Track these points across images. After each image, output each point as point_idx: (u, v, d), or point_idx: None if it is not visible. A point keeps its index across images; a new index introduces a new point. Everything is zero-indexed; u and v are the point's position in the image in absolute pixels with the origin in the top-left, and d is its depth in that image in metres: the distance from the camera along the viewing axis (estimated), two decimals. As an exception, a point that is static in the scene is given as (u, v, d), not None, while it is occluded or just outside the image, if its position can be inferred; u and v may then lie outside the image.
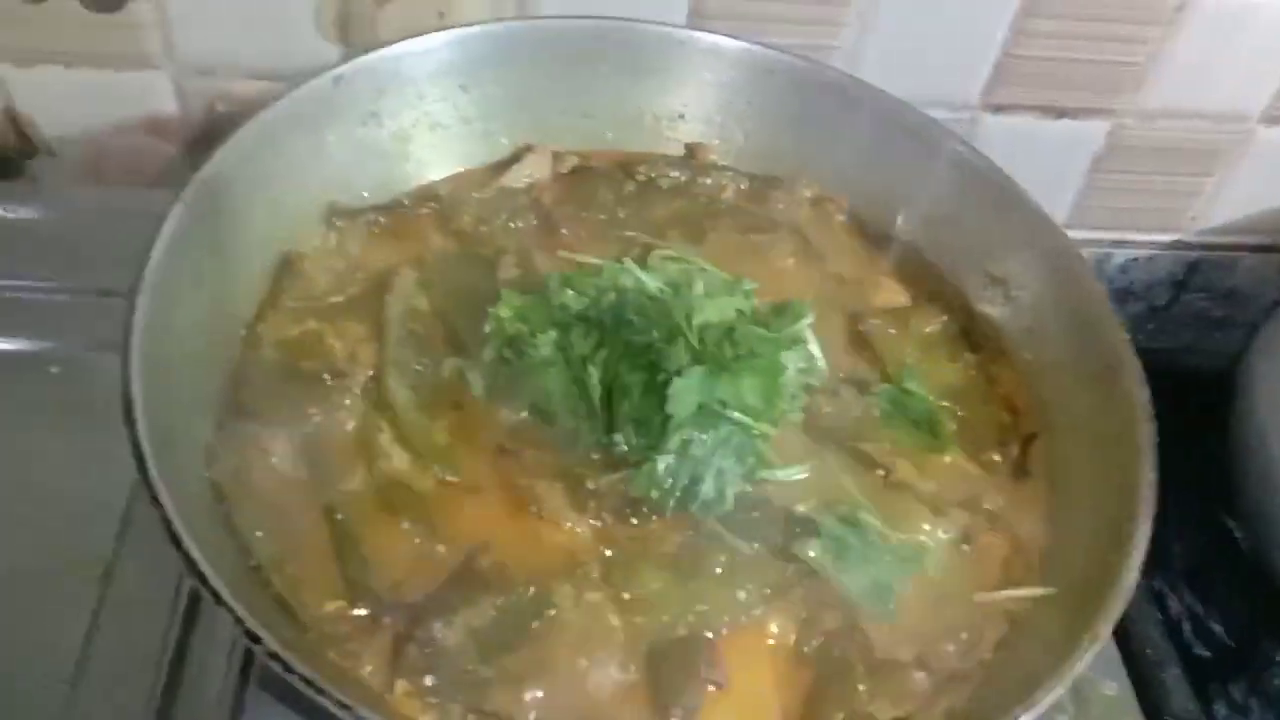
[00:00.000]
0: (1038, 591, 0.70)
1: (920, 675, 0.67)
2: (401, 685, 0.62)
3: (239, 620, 0.55)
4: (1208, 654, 0.95)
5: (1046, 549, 0.74)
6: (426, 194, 0.87)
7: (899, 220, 0.90)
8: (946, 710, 0.66)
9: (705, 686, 0.64)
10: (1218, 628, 0.97)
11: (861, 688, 0.65)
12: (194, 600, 0.74)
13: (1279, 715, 0.92)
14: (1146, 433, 0.71)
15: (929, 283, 0.87)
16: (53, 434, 0.83)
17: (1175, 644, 0.92)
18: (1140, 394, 0.73)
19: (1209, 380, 1.08)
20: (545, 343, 0.71)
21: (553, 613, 0.66)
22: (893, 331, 0.83)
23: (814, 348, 0.75)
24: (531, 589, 0.66)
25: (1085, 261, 0.81)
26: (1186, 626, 0.97)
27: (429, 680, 0.62)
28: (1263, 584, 0.98)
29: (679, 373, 0.67)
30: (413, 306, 0.78)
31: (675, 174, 0.90)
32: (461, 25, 0.87)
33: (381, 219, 0.83)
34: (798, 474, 0.73)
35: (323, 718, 0.55)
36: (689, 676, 0.64)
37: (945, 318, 0.84)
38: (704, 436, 0.68)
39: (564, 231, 0.85)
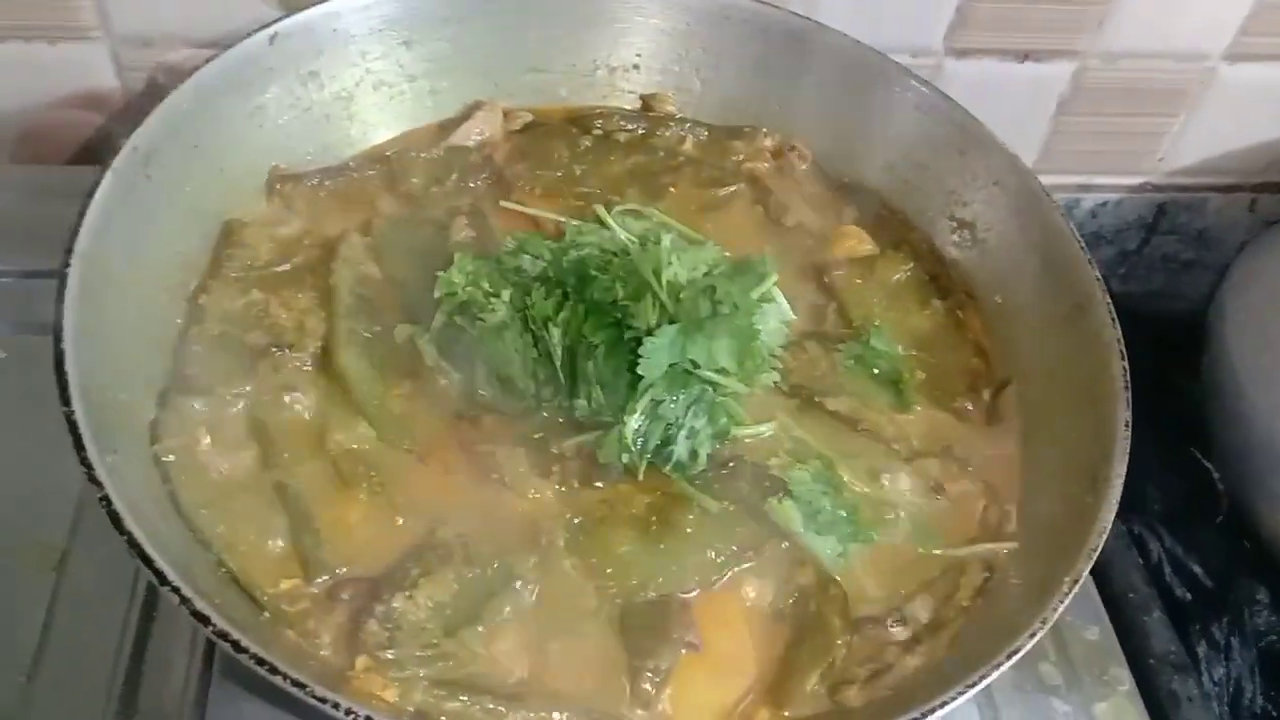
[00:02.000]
0: (1004, 546, 0.69)
1: (898, 628, 0.65)
2: (362, 661, 0.60)
3: (184, 600, 0.53)
4: (1188, 596, 0.95)
5: (1022, 494, 0.72)
6: (373, 156, 0.84)
7: (863, 167, 0.88)
8: (925, 660, 0.64)
9: (679, 649, 0.63)
10: (1197, 569, 0.96)
11: (838, 643, 0.64)
12: (153, 587, 0.71)
13: (1260, 654, 0.92)
14: (1118, 371, 0.70)
15: (896, 230, 0.86)
16: (0, 421, 0.80)
17: (1156, 587, 0.92)
18: (1110, 332, 0.72)
19: (1182, 323, 1.08)
20: (500, 306, 0.68)
21: (518, 583, 0.64)
22: (859, 281, 0.81)
23: (784, 305, 0.73)
24: (496, 561, 0.64)
25: (1053, 200, 0.80)
26: (1166, 569, 0.96)
27: (390, 654, 0.60)
28: (1240, 524, 0.97)
29: (649, 331, 0.65)
30: (362, 273, 0.75)
31: (632, 127, 0.88)
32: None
33: (327, 183, 0.80)
34: (767, 431, 0.72)
35: (288, 704, 0.53)
36: (661, 639, 0.63)
37: (913, 264, 0.83)
38: (675, 397, 0.66)
39: (520, 189, 0.83)
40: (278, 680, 0.52)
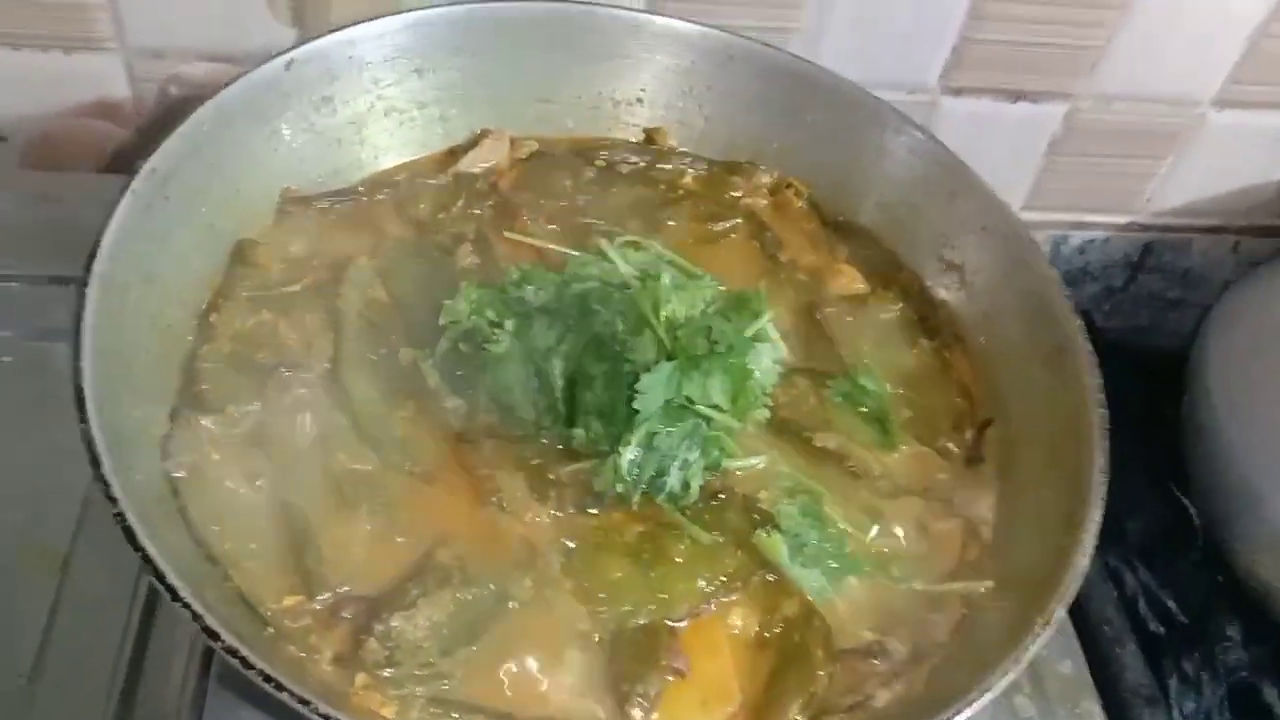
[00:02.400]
0: (981, 585, 0.71)
1: (878, 660, 0.68)
2: (362, 678, 0.61)
3: (196, 616, 0.55)
4: (1162, 630, 0.97)
5: (1000, 534, 0.75)
6: (382, 181, 0.86)
7: (857, 207, 0.90)
8: (904, 692, 0.67)
9: (666, 675, 0.65)
10: (1172, 604, 0.98)
11: (820, 673, 0.66)
12: (153, 594, 0.73)
13: (1230, 689, 0.94)
14: (1096, 417, 0.72)
15: (887, 269, 0.88)
16: (6, 425, 0.82)
17: (1131, 620, 0.94)
18: (1090, 379, 0.73)
19: (1165, 360, 1.10)
20: (504, 337, 0.70)
21: (513, 605, 0.66)
22: (850, 319, 0.83)
23: (778, 344, 0.74)
24: (491, 584, 0.66)
25: (1037, 245, 0.82)
26: (1142, 603, 0.98)
27: (389, 673, 0.62)
28: (1216, 560, 1.00)
29: (647, 367, 0.67)
30: (369, 296, 0.77)
31: (634, 160, 0.90)
32: (418, 8, 0.86)
33: (337, 207, 0.82)
34: (757, 465, 0.74)
35: (284, 713, 0.55)
36: (650, 665, 0.65)
37: (902, 304, 0.85)
38: (670, 430, 0.68)
39: (523, 218, 0.85)
40: (284, 696, 0.54)
